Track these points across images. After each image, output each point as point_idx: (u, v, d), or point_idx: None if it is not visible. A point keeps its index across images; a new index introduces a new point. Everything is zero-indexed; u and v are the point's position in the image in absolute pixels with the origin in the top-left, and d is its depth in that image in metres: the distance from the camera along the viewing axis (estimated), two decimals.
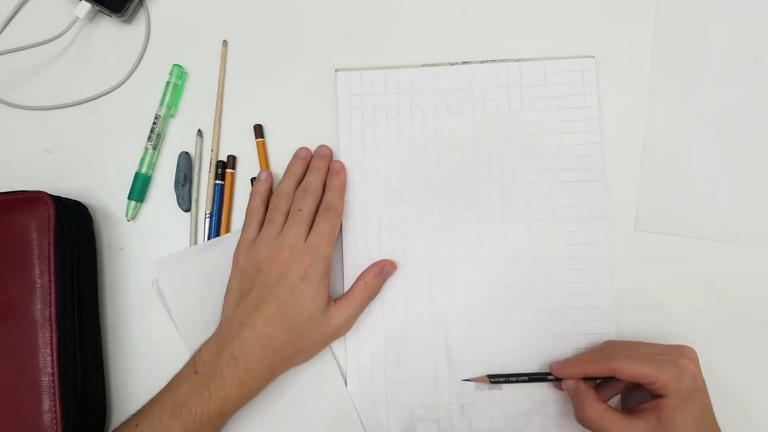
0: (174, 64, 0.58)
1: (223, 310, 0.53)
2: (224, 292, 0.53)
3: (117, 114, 0.59)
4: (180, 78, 0.58)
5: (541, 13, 0.58)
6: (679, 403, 0.46)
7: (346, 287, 0.55)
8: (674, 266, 0.56)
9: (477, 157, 0.57)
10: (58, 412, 0.49)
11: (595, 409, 0.48)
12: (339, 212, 0.54)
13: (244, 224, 0.54)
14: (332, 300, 0.53)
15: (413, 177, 0.57)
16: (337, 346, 0.56)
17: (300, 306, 0.50)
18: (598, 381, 0.52)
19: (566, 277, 0.55)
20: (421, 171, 0.57)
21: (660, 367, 0.47)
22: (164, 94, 0.58)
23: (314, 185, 0.54)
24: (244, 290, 0.51)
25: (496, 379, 0.53)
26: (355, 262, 0.56)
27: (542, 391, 0.55)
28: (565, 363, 0.51)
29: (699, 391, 0.47)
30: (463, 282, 0.56)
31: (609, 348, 0.52)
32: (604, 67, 0.57)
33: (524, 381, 0.53)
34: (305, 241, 0.51)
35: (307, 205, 0.53)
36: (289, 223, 0.52)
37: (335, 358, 0.56)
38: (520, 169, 0.57)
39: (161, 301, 0.56)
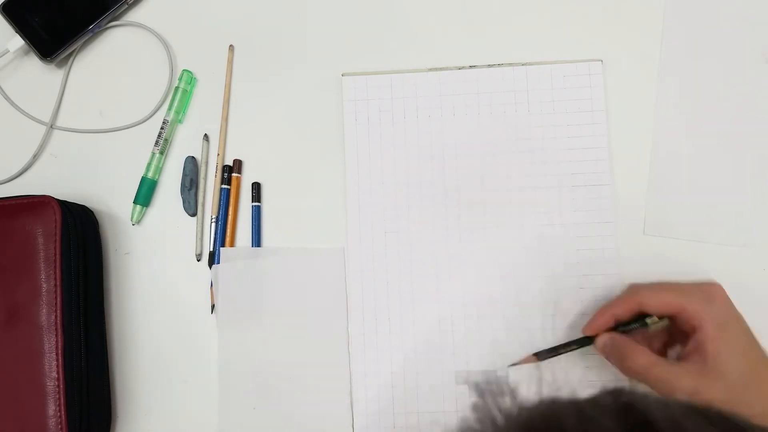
0: (184, 70, 0.58)
1: None
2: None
3: (124, 118, 0.59)
4: (189, 83, 0.58)
5: (548, 16, 0.58)
6: (717, 332, 0.43)
7: (349, 290, 0.55)
8: (683, 271, 0.55)
9: (484, 162, 0.56)
10: (63, 417, 0.49)
11: (644, 355, 0.45)
12: None
13: None
14: None
15: (419, 182, 0.57)
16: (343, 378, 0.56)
17: None
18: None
19: (574, 282, 0.55)
20: (428, 176, 0.57)
21: (686, 295, 0.44)
22: (173, 100, 0.58)
23: None
24: None
25: (543, 356, 0.52)
26: (360, 267, 0.56)
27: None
28: (592, 318, 0.50)
29: (735, 317, 0.44)
30: (471, 286, 0.55)
31: (632, 287, 0.50)
32: (612, 70, 0.57)
33: (573, 350, 0.51)
34: None
35: None
36: None
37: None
38: (527, 174, 0.56)
39: (213, 285, 0.56)
